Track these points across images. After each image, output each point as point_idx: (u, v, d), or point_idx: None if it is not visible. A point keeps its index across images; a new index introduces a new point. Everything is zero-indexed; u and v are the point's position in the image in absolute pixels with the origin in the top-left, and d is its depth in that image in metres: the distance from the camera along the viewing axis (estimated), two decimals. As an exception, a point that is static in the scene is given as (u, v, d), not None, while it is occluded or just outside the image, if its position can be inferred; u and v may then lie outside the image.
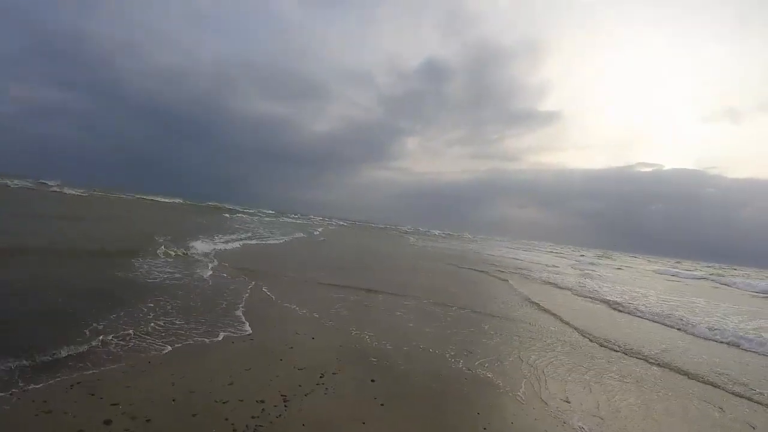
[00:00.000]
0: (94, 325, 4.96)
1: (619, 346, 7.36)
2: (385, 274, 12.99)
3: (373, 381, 4.55)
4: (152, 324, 5.30)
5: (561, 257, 43.28)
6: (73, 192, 37.88)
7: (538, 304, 10.19)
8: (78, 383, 3.64)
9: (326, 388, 4.20)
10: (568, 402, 4.66)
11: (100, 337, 4.62)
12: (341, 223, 75.69)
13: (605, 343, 7.45)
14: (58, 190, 37.44)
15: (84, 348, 4.34)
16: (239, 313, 6.35)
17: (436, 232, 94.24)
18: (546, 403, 4.53)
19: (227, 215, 39.53)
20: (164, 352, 4.57)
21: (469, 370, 5.29)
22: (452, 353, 5.86)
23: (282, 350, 5.09)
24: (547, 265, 26.15)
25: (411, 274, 13.98)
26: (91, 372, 3.88)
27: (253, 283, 8.57)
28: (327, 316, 6.91)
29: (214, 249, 12.19)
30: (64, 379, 3.69)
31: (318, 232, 33.68)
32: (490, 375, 5.19)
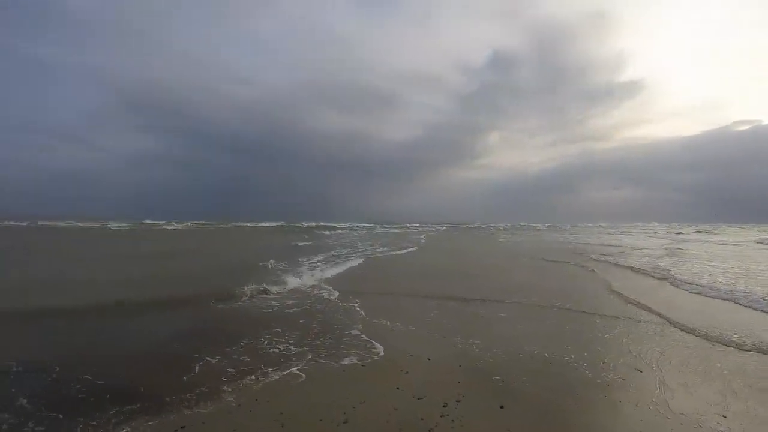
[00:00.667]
0: (207, 359, 4.76)
1: (750, 344, 5.61)
2: (483, 278, 11.90)
3: (502, 407, 3.70)
4: (244, 357, 4.98)
5: (657, 237, 37.61)
6: (174, 227, 42.09)
7: (636, 301, 8.33)
8: (182, 427, 3.30)
9: (452, 421, 3.44)
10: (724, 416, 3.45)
11: (207, 372, 4.36)
12: (438, 227, 74.63)
13: (723, 341, 5.76)
14: (164, 226, 42.02)
15: (192, 387, 4.07)
16: (349, 339, 5.82)
17: (539, 226, 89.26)
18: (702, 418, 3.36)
19: (326, 232, 40.87)
20: (272, 383, 4.16)
21: (598, 379, 4.40)
22: (572, 359, 4.93)
23: (397, 376, 4.42)
24: (635, 248, 22.62)
25: (507, 274, 12.71)
26: (196, 412, 3.55)
27: (358, 301, 8.06)
28: (438, 332, 6.14)
29: (319, 270, 12.00)
30: (168, 421, 3.39)
31: (423, 239, 33.01)
32: (621, 382, 4.30)
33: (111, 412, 3.51)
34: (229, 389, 4.02)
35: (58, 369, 4.43)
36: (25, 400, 3.70)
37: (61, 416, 3.47)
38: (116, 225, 44.12)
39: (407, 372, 4.50)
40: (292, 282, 9.52)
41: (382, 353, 5.12)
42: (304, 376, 4.38)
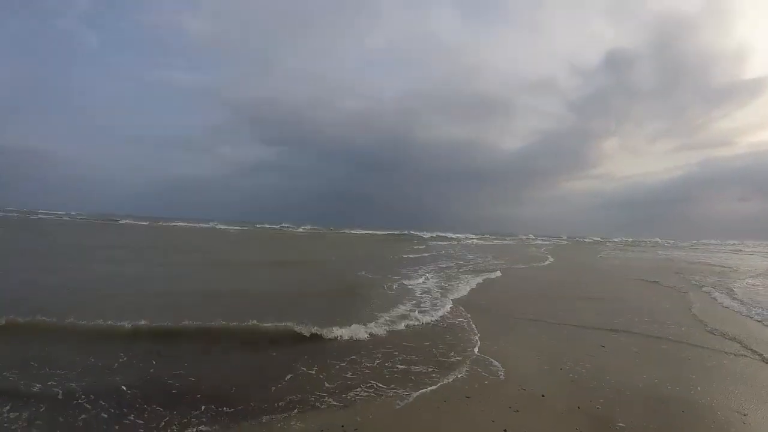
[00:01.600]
0: (303, 369, 4.81)
1: None
2: (609, 302, 10.48)
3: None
4: (347, 373, 4.87)
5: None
6: (296, 231, 45.64)
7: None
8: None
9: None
10: None
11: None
12: (555, 240, 69.30)
13: None
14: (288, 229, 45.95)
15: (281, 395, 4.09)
16: (456, 363, 5.47)
17: (664, 242, 77.91)
18: None
19: (441, 242, 40.52)
20: (369, 402, 3.99)
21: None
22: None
23: (505, 415, 3.91)
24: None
25: (638, 299, 10.96)
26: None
27: (470, 319, 7.66)
28: (554, 362, 5.43)
29: (431, 282, 11.79)
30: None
31: (546, 257, 31.05)
32: None
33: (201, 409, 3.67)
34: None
35: (154, 362, 4.85)
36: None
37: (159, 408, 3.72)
38: (224, 226, 49.92)
39: (517, 411, 3.97)
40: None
41: (488, 383, 4.64)
42: (403, 402, 4.12)
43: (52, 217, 53.78)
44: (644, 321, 7.98)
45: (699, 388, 4.66)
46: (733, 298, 10.44)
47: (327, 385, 4.42)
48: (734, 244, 69.47)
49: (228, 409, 3.73)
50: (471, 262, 19.02)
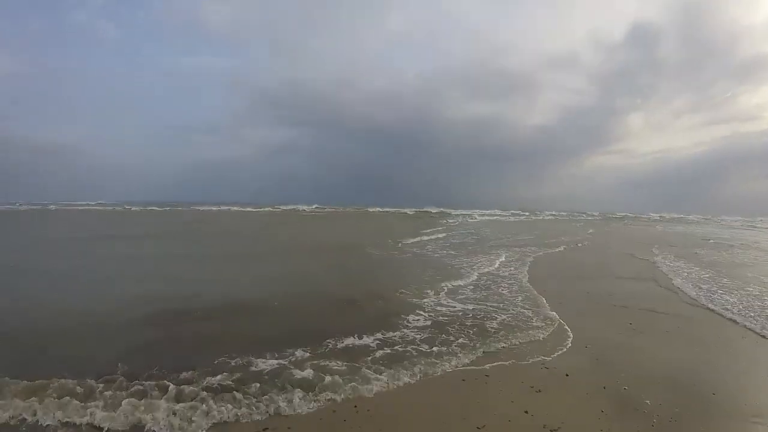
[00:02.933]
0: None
1: None
2: (640, 281, 10.10)
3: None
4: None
5: None
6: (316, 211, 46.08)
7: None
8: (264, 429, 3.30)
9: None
10: None
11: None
12: (586, 217, 67.16)
13: None
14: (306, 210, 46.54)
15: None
16: (476, 337, 5.43)
17: (693, 218, 74.11)
18: None
19: (461, 219, 40.22)
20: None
21: None
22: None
23: (527, 395, 3.84)
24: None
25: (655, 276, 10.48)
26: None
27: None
28: (582, 340, 5.28)
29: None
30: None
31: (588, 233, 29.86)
32: None
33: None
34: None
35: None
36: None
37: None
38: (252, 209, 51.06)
39: (539, 390, 3.89)
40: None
41: (509, 363, 4.56)
42: (414, 379, 4.12)
43: (83, 207, 55.33)
44: (676, 300, 7.67)
45: (730, 371, 4.44)
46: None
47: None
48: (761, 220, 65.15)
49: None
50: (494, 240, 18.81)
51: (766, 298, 7.65)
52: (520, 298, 7.36)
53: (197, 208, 50.88)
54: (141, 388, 3.64)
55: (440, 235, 19.61)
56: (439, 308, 6.61)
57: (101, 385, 3.66)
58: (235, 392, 3.61)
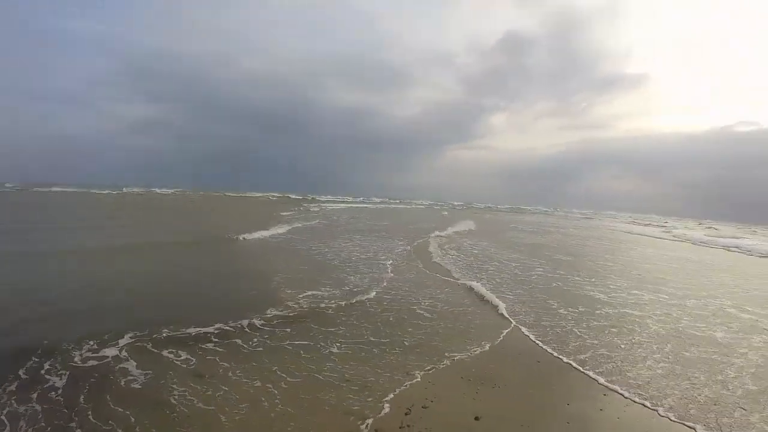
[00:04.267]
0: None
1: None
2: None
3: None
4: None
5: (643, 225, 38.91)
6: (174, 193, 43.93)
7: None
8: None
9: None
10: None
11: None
12: (455, 205, 75.34)
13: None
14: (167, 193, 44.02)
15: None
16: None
17: (543, 208, 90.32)
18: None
19: (328, 206, 42.15)
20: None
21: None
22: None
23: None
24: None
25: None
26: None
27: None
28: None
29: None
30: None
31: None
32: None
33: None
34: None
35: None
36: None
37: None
38: (103, 191, 45.92)
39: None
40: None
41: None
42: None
43: None
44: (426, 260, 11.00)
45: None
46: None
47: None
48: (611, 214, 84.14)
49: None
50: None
51: (474, 262, 11.45)
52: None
53: (39, 189, 42.77)
54: None
55: (288, 228, 19.95)
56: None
57: None
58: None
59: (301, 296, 7.15)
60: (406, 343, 5.38)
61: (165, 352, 4.62)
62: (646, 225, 42.99)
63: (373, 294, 7.66)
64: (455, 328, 6.13)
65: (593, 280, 10.25)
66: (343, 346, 5.15)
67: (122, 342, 4.78)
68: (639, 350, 5.62)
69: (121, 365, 4.26)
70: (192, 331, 5.28)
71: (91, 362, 4.28)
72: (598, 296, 8.54)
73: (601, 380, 4.63)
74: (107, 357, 4.40)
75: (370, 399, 3.88)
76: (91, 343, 4.68)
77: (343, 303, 6.96)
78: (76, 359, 4.30)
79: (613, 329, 6.48)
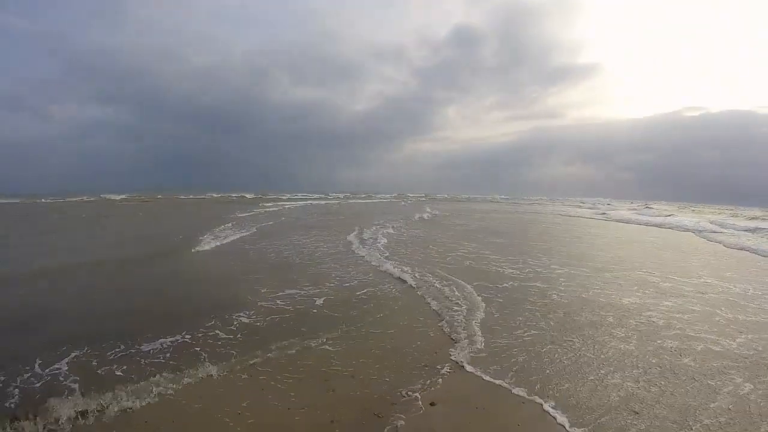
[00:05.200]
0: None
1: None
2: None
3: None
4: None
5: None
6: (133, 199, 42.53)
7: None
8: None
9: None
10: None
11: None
12: (416, 197, 76.11)
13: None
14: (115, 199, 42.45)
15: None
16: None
17: (500, 197, 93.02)
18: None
19: (287, 204, 41.93)
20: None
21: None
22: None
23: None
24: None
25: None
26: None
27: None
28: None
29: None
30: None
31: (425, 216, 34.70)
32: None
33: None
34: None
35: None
36: None
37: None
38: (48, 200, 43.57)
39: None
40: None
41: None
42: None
43: None
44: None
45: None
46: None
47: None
48: (546, 199, 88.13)
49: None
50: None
51: (397, 247, 12.37)
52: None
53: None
54: None
55: (239, 236, 20.83)
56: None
57: None
58: None
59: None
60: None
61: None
62: (589, 208, 45.69)
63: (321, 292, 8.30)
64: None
65: (512, 258, 11.22)
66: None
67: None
68: (518, 316, 6.39)
69: None
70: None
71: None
72: (507, 272, 9.50)
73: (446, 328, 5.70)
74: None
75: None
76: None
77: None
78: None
79: (499, 299, 7.29)
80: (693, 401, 3.99)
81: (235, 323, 5.87)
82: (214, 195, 58.34)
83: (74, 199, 44.46)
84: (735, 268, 11.04)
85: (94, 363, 4.59)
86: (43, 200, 41.99)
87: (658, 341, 5.48)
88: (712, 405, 3.93)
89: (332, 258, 10.91)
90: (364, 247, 12.46)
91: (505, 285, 8.29)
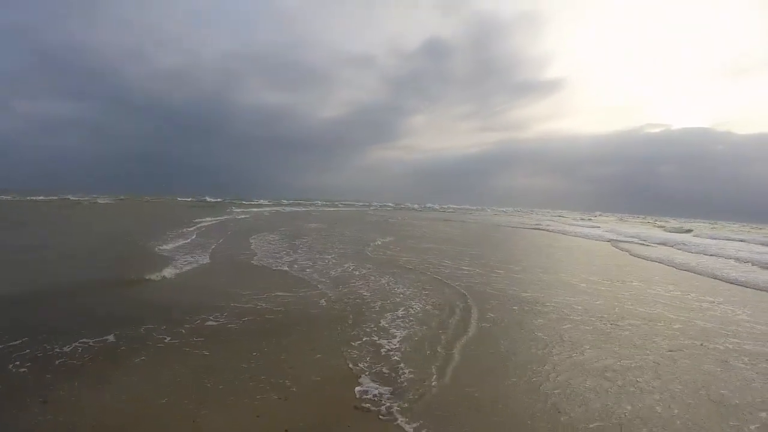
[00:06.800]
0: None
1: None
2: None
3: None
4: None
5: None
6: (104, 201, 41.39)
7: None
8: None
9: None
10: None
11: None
12: (385, 206, 76.42)
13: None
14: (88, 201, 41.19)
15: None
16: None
17: (465, 207, 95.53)
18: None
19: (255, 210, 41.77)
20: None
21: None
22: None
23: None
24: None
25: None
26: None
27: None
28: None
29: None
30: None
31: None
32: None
33: None
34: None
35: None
36: None
37: None
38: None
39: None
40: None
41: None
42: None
43: None
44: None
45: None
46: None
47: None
48: (511, 210, 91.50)
49: None
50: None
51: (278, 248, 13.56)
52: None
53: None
54: None
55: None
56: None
57: None
58: None
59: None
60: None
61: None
62: (536, 220, 48.16)
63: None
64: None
65: (428, 257, 12.71)
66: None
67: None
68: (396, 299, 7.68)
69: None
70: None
71: None
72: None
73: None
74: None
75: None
76: None
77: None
78: None
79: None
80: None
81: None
82: (179, 198, 56.81)
83: (36, 198, 42.36)
84: (624, 268, 12.87)
85: None
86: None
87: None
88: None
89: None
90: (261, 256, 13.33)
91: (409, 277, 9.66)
